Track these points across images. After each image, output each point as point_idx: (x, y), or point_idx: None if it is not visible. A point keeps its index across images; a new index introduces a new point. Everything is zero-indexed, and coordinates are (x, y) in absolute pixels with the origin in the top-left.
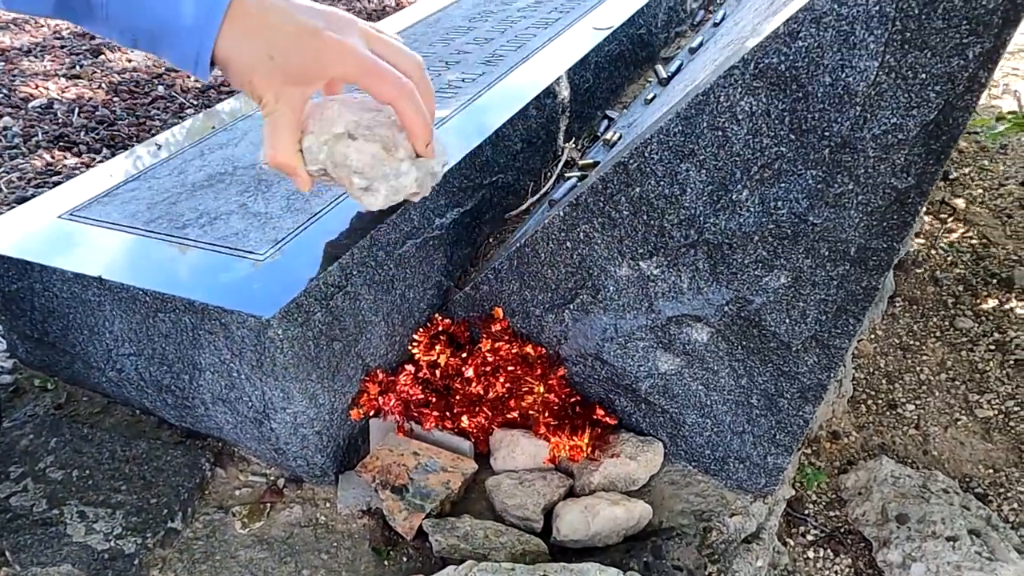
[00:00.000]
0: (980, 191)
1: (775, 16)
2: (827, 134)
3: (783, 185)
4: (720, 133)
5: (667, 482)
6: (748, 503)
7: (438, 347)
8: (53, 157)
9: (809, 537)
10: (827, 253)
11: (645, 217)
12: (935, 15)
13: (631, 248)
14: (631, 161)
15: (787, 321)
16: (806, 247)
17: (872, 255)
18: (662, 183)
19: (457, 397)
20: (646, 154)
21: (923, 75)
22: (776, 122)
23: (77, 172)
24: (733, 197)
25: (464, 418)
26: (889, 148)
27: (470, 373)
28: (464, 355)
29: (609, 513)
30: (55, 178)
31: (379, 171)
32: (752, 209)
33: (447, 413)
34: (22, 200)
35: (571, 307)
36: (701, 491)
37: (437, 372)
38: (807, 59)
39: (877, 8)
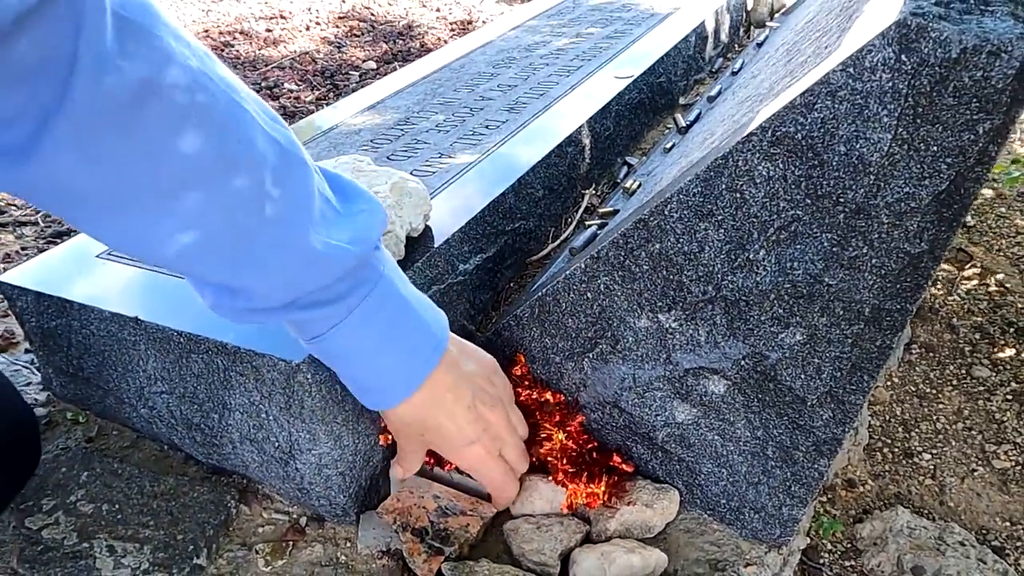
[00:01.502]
0: (998, 239)
1: (793, 80)
2: (842, 200)
3: (799, 247)
4: (738, 195)
5: (683, 530)
6: (763, 553)
7: None
8: None
9: None
10: (842, 312)
11: (664, 272)
12: (946, 92)
13: (650, 301)
14: (652, 219)
15: (802, 376)
16: (821, 306)
17: (886, 315)
18: (681, 240)
19: None
20: (666, 212)
21: (935, 148)
22: (793, 187)
23: None
24: (750, 256)
25: None
26: (902, 215)
27: None
28: None
29: (625, 560)
30: None
31: None
32: (769, 268)
33: None
34: (58, 234)
35: (591, 356)
36: (716, 540)
37: None
38: (823, 129)
39: (891, 84)
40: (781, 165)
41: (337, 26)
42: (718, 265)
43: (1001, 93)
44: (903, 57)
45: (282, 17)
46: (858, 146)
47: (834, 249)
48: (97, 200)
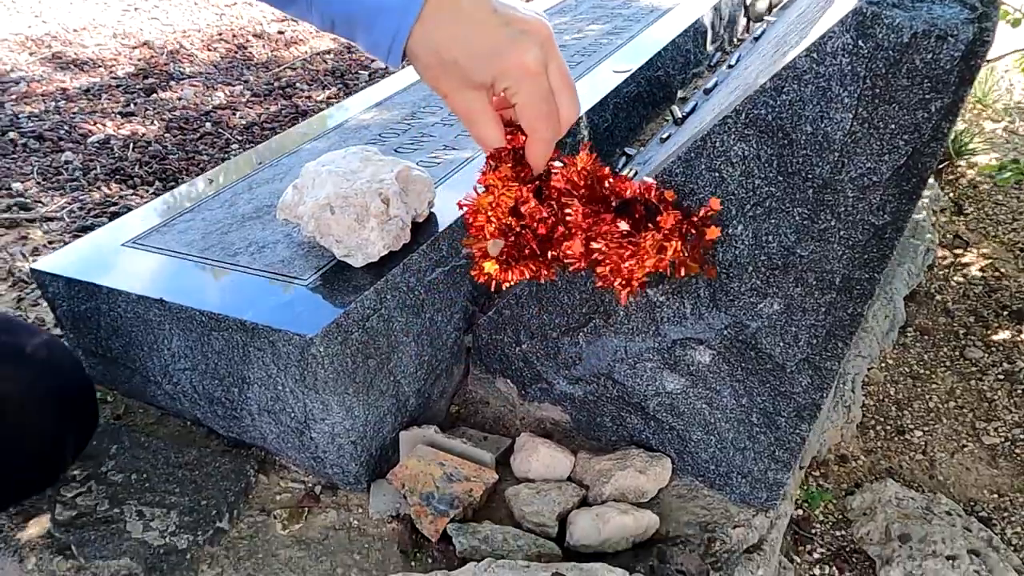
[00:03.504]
0: (994, 225)
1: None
2: (810, 176)
3: (773, 221)
4: (716, 174)
5: (675, 495)
6: (751, 516)
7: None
8: (110, 189)
9: (816, 555)
10: (815, 282)
11: None
12: (900, 74)
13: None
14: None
15: (781, 344)
16: (795, 277)
17: (856, 284)
18: None
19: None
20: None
21: (892, 125)
22: (766, 165)
23: (132, 203)
24: (729, 231)
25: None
26: (865, 189)
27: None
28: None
29: (619, 521)
30: (112, 208)
31: (353, 240)
32: (746, 242)
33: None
34: (83, 229)
35: (585, 330)
36: (707, 504)
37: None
38: (791, 111)
39: (850, 68)
40: (755, 145)
41: None
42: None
43: (950, 73)
44: (860, 42)
45: (294, 20)
46: (823, 125)
47: (805, 222)
48: None
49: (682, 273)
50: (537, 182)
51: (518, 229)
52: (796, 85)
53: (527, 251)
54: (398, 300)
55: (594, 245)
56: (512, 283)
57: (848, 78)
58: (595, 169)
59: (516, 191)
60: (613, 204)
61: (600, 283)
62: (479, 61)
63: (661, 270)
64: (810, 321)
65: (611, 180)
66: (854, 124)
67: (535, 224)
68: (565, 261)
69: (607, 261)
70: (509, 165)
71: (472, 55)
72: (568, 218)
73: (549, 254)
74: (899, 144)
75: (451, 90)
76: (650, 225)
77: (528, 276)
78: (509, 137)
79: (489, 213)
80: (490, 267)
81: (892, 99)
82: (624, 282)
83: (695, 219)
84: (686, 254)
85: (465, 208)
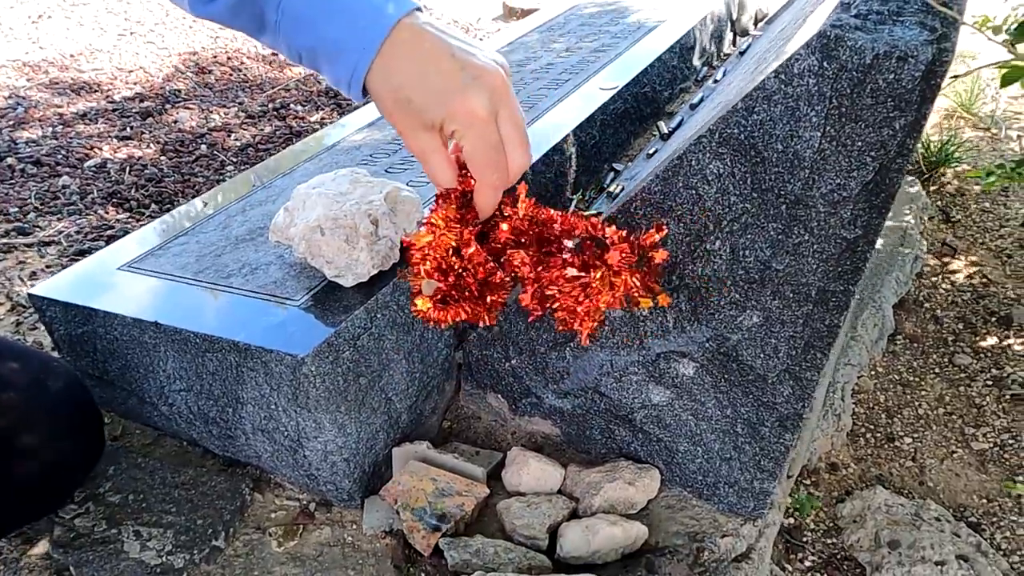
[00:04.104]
0: (982, 232)
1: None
2: (783, 192)
3: (749, 236)
4: (694, 191)
5: (664, 506)
6: (739, 525)
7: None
8: (107, 213)
9: (807, 563)
10: (791, 295)
11: None
12: (864, 94)
13: None
14: (619, 216)
15: (761, 356)
16: (772, 290)
17: (831, 296)
18: None
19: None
20: (631, 209)
21: (859, 143)
22: (740, 182)
23: (129, 226)
24: (707, 247)
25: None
26: (836, 204)
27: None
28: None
29: (608, 532)
30: (109, 232)
31: (343, 261)
32: (724, 257)
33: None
34: (80, 252)
35: (571, 345)
36: (695, 514)
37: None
38: (762, 130)
39: (816, 88)
40: (729, 163)
41: None
42: (680, 256)
43: (911, 92)
44: (825, 64)
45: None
46: (793, 144)
47: (780, 237)
48: None
49: (638, 306)
50: (481, 226)
51: (459, 271)
52: (766, 105)
53: (467, 293)
54: (388, 318)
55: (547, 293)
56: (448, 323)
57: (815, 98)
58: (537, 213)
59: (457, 233)
60: (564, 244)
61: (560, 327)
62: (431, 102)
63: (616, 307)
64: (789, 333)
65: (558, 222)
66: (823, 142)
67: (475, 268)
68: (523, 308)
69: (562, 305)
70: (455, 207)
71: (425, 96)
72: (517, 271)
73: (489, 298)
74: (866, 160)
75: (406, 128)
76: (598, 263)
77: (465, 318)
78: (461, 179)
79: (428, 251)
80: (422, 304)
81: (858, 118)
82: (582, 322)
83: (643, 244)
84: (637, 284)
85: (407, 244)
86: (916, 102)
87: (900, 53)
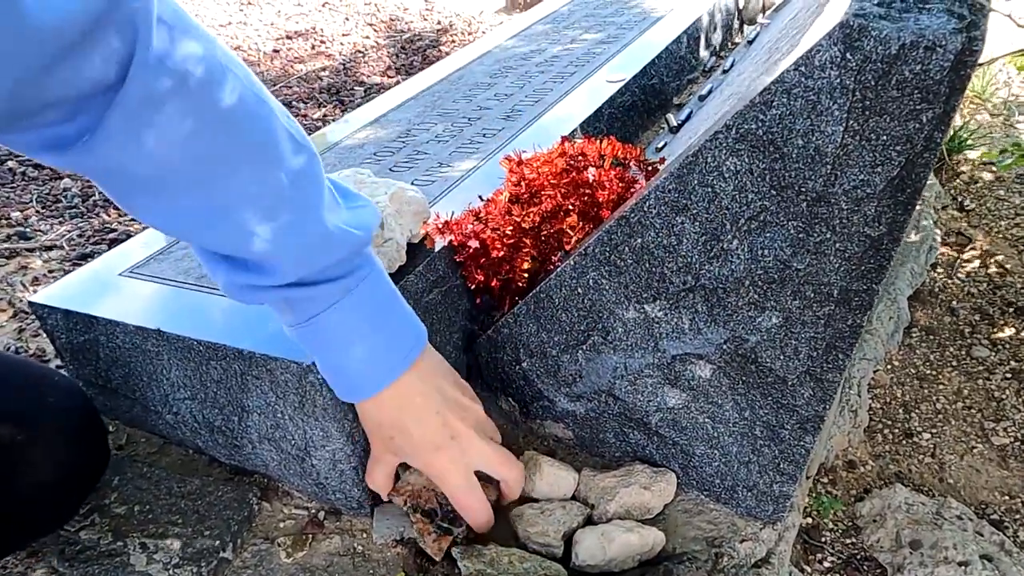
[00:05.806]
0: (997, 220)
1: (765, 76)
2: (803, 189)
3: (768, 235)
4: (710, 189)
5: (680, 511)
6: (758, 529)
7: None
8: (109, 215)
9: (826, 564)
10: (812, 295)
11: (647, 265)
12: (890, 86)
13: (636, 293)
14: (632, 215)
15: (781, 358)
16: (793, 290)
17: (854, 296)
18: (660, 234)
19: None
20: (645, 208)
21: (884, 137)
22: (758, 179)
23: (131, 228)
24: (724, 246)
25: None
26: (860, 201)
27: None
28: None
29: (624, 539)
30: (111, 235)
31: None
32: (742, 256)
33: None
34: (83, 256)
35: (584, 348)
36: (713, 519)
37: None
38: (781, 125)
39: (839, 81)
40: (746, 159)
41: (342, 43)
42: (696, 256)
43: (940, 84)
44: (848, 55)
45: (287, 38)
46: (814, 139)
47: (800, 236)
48: (143, 183)
49: None
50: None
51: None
52: (785, 99)
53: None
54: None
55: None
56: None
57: (837, 91)
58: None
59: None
60: None
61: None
62: (409, 450)
63: None
64: (809, 334)
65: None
66: (845, 137)
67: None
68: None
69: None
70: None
71: (404, 442)
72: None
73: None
74: (892, 155)
75: (377, 453)
76: None
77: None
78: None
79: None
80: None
81: (883, 111)
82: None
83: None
84: None
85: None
86: (944, 94)
87: (928, 43)
